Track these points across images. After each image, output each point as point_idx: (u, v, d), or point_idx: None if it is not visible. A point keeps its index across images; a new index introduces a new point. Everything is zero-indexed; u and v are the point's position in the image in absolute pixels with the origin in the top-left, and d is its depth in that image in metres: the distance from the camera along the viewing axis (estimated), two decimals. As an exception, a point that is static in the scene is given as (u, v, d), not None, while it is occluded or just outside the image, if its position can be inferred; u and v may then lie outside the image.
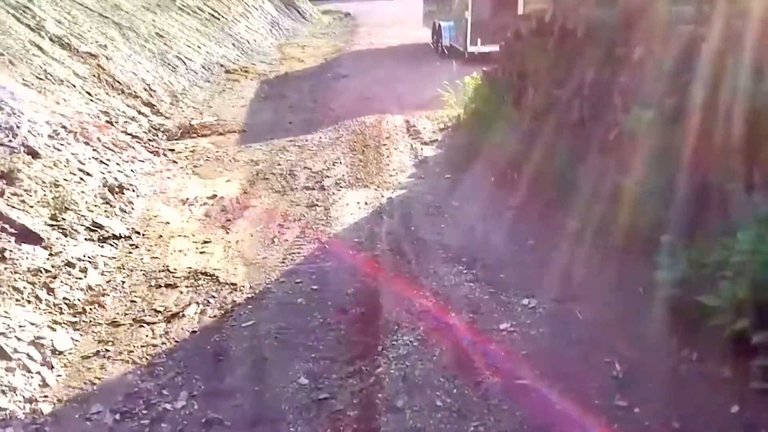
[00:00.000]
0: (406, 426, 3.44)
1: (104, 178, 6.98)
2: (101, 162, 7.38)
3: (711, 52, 4.45)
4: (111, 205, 6.51)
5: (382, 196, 6.93)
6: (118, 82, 10.46)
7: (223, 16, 19.97)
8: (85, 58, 10.29)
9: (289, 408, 3.73)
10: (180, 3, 18.10)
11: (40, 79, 8.31)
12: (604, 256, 4.99)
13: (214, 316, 4.80)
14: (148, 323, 4.73)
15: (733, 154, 4.25)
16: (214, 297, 5.07)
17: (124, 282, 5.29)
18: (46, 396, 3.89)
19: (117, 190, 6.86)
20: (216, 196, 7.25)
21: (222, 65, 15.58)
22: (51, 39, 10.03)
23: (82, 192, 6.40)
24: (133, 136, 8.82)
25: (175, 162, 8.56)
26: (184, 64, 13.95)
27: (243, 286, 5.21)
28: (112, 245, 5.82)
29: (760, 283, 3.65)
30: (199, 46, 15.75)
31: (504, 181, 6.84)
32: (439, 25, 17.28)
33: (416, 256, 5.41)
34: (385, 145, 8.99)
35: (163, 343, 4.48)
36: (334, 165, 8.16)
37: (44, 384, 3.99)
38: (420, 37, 19.48)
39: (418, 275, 5.06)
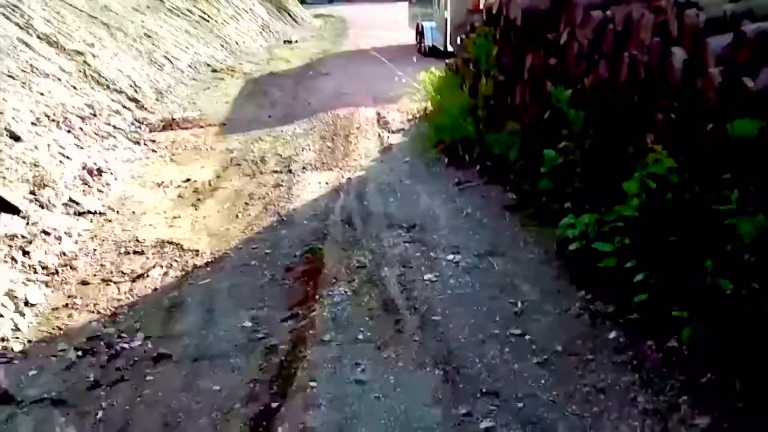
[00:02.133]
0: (328, 355, 3.93)
1: (84, 162, 7.47)
2: (82, 148, 7.88)
3: (615, 34, 4.97)
4: (89, 186, 7.01)
5: (343, 177, 7.43)
6: (104, 78, 10.97)
7: (212, 18, 20.50)
8: (71, 55, 10.81)
9: (229, 345, 4.22)
10: (170, 5, 18.64)
11: (26, 72, 8.82)
12: (530, 221, 5.53)
13: (175, 277, 5.30)
14: (114, 282, 5.22)
15: (631, 124, 4.76)
16: (177, 261, 5.56)
17: (95, 249, 5.78)
18: (17, 337, 4.39)
19: (95, 173, 7.36)
20: (190, 180, 7.73)
21: (209, 65, 16.08)
22: (39, 37, 10.55)
23: (62, 173, 6.89)
24: (116, 128, 9.32)
25: (154, 151, 9.05)
26: (171, 63, 14.46)
27: (204, 252, 5.70)
28: (87, 219, 6.32)
29: (642, 230, 4.17)
30: (186, 47, 16.27)
31: (455, 162, 7.37)
32: (422, 26, 17.87)
33: (362, 223, 5.92)
34: (354, 134, 9.50)
35: (126, 298, 4.97)
36: (303, 151, 8.66)
37: (16, 328, 4.48)
38: (406, 39, 20.01)
39: (361, 239, 5.57)
